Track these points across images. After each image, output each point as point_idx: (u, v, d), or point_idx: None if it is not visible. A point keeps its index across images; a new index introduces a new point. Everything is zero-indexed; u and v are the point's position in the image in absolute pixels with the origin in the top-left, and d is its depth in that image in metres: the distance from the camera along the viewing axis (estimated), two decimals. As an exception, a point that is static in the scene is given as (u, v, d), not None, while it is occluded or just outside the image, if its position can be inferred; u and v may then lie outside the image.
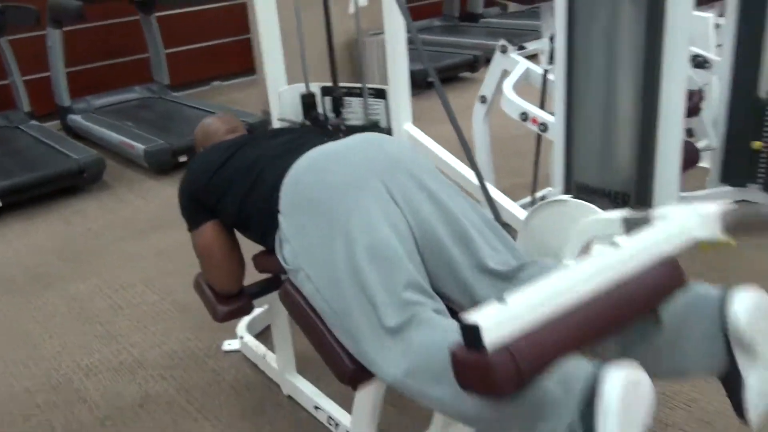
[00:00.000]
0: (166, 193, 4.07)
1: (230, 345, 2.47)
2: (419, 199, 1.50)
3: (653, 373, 1.17)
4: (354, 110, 2.49)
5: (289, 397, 2.19)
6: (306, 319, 1.47)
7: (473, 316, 1.03)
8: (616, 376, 1.03)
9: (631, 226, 1.42)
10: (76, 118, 5.09)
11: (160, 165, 4.28)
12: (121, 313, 2.79)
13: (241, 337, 2.42)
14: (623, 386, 1.03)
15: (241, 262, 1.89)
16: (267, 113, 2.49)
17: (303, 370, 2.20)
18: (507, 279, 1.44)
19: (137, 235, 3.53)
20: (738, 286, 1.28)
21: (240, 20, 5.94)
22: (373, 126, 2.40)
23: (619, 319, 1.22)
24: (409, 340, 1.30)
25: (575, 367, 1.09)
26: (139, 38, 5.67)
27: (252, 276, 1.97)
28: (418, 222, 1.48)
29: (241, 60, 6.47)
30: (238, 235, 1.89)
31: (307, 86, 2.51)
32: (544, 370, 1.09)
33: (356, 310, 1.37)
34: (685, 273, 1.32)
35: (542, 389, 1.08)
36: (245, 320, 2.51)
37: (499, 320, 1.04)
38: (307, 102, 2.47)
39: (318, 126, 2.45)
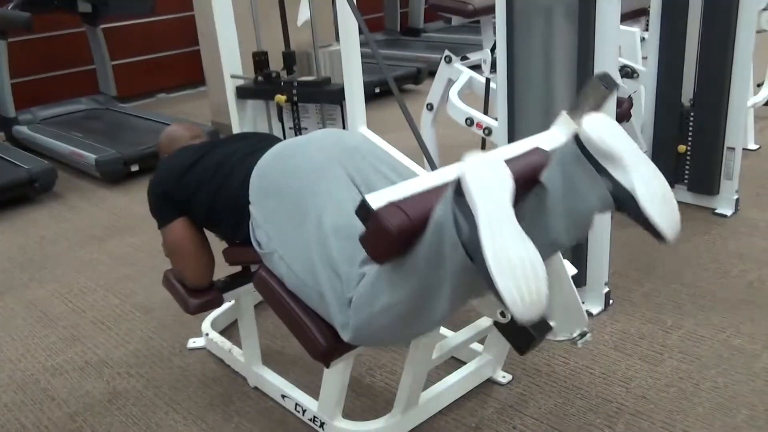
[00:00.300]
0: (119, 201, 4.12)
1: (195, 342, 2.56)
2: (376, 180, 1.66)
3: (565, 231, 1.37)
4: (311, 115, 2.63)
5: (256, 388, 2.29)
6: (280, 301, 1.60)
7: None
8: (467, 161, 1.25)
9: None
10: (22, 130, 5.06)
11: (112, 174, 4.32)
12: (83, 316, 2.84)
13: (206, 334, 2.52)
14: (472, 167, 1.23)
15: (211, 256, 2.01)
16: (217, 123, 2.59)
17: (267, 362, 2.32)
18: None
19: (93, 241, 3.57)
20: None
21: (188, 32, 6.01)
22: (325, 81, 2.51)
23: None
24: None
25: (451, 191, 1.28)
26: (85, 49, 5.67)
27: (220, 273, 2.09)
28: None
29: (189, 71, 6.53)
30: (207, 233, 2.01)
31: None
32: (430, 214, 1.27)
33: (325, 280, 1.52)
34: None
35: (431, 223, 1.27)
36: (210, 317, 2.60)
37: (386, 195, 1.27)
38: (259, 60, 2.59)
39: (270, 82, 2.55)
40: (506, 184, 1.23)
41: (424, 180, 1.35)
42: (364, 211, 1.27)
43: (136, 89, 6.35)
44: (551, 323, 1.73)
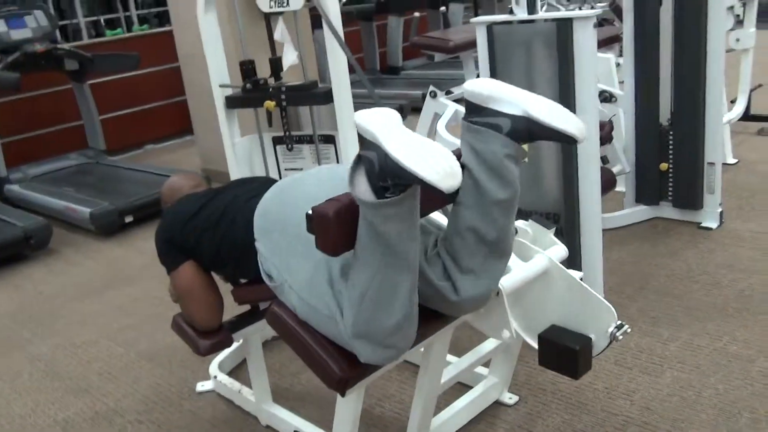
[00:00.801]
0: (115, 253, 4.16)
1: (204, 386, 2.59)
2: None
3: (499, 187, 1.50)
4: (305, 156, 2.70)
5: (268, 427, 2.33)
6: (294, 334, 1.65)
7: None
8: (358, 113, 1.44)
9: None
10: (14, 188, 5.10)
11: (107, 227, 4.36)
12: (88, 368, 2.86)
13: (215, 377, 2.55)
14: (362, 115, 1.42)
15: (220, 297, 2.05)
16: (207, 171, 2.63)
17: (277, 400, 2.35)
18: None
19: (91, 294, 3.60)
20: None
21: (173, 83, 6.11)
22: (313, 84, 2.57)
23: None
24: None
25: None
26: (72, 105, 5.75)
27: (226, 314, 2.13)
28: None
29: (176, 121, 6.62)
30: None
31: (262, 145, 2.71)
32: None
33: (331, 301, 1.58)
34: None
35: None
36: (216, 360, 2.63)
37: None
38: (246, 68, 2.65)
39: (258, 89, 2.61)
40: (395, 116, 1.42)
41: None
42: (308, 220, 1.45)
43: (125, 142, 6.42)
44: (589, 335, 1.76)
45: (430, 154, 1.30)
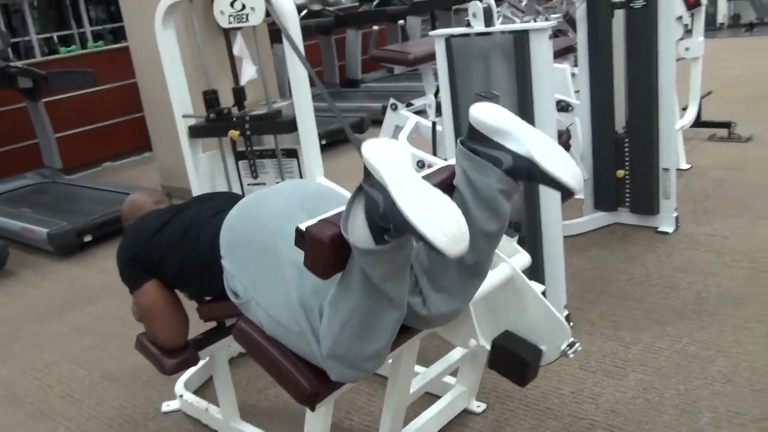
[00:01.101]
0: (75, 273, 4.08)
1: (169, 405, 2.55)
2: None
3: (488, 219, 1.48)
4: (268, 171, 2.70)
5: (235, 443, 2.31)
6: (261, 349, 1.64)
7: None
8: (366, 145, 1.36)
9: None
10: (-32, 210, 4.98)
11: (65, 247, 4.28)
12: (50, 391, 2.80)
13: (181, 396, 2.52)
14: (371, 149, 1.35)
15: (185, 315, 2.04)
16: (167, 187, 2.60)
17: (245, 417, 2.34)
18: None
19: (52, 315, 3.53)
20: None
21: (131, 99, 6.04)
22: (276, 113, 2.57)
23: None
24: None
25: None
26: (27, 124, 5.64)
27: (194, 332, 2.11)
28: None
29: (134, 138, 6.54)
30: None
31: (224, 160, 2.70)
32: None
33: (303, 318, 1.57)
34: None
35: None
36: (182, 379, 2.60)
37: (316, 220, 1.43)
38: (209, 98, 2.64)
39: (222, 119, 2.61)
40: (404, 153, 1.36)
41: None
42: (299, 236, 1.40)
43: (82, 160, 6.32)
44: (541, 347, 1.81)
45: (438, 212, 1.24)
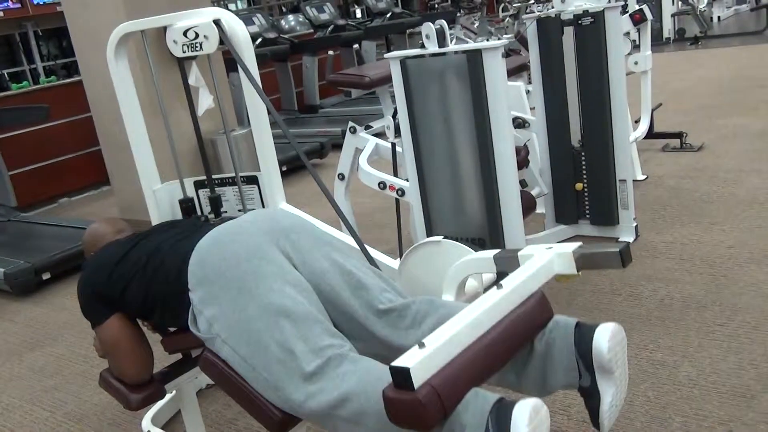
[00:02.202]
0: (33, 313, 3.98)
1: (136, 442, 2.49)
2: (314, 258, 1.72)
3: (526, 391, 1.45)
4: (228, 199, 2.68)
5: (207, 477, 2.26)
6: (228, 379, 1.62)
7: (401, 361, 1.26)
8: (524, 404, 1.30)
9: (501, 264, 1.72)
10: None
11: (23, 286, 4.17)
12: (11, 436, 2.71)
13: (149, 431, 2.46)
14: (530, 413, 1.28)
15: (149, 349, 1.99)
16: (126, 221, 2.56)
17: (216, 449, 2.30)
18: (399, 311, 1.68)
19: (11, 357, 3.43)
20: (601, 322, 1.60)
21: (85, 133, 5.95)
22: None
23: (511, 351, 1.51)
24: (330, 376, 1.50)
25: (484, 399, 1.34)
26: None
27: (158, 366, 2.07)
28: (317, 278, 1.70)
29: (90, 173, 6.44)
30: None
31: (183, 189, 2.67)
32: (459, 401, 1.32)
33: (276, 362, 1.55)
34: (550, 306, 1.63)
35: (459, 417, 1.32)
36: (149, 414, 2.54)
37: (422, 362, 1.27)
38: (186, 207, 2.62)
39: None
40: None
41: (458, 334, 1.37)
42: (401, 377, 1.26)
43: (37, 197, 6.19)
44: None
45: None
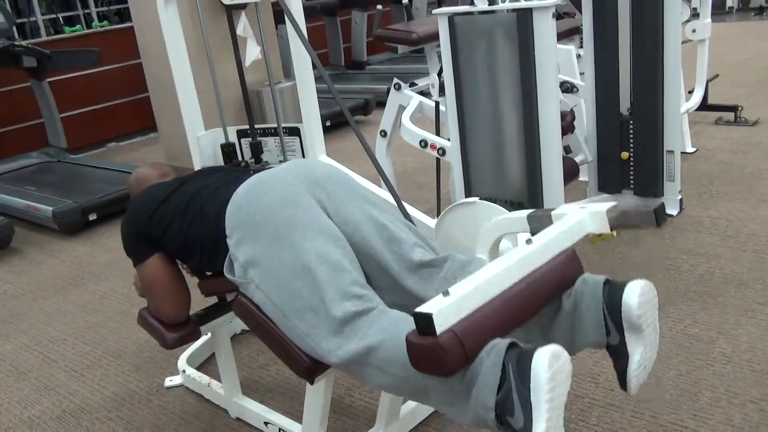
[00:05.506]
0: (79, 251, 4.10)
1: (172, 381, 2.57)
2: (348, 209, 1.74)
3: (561, 341, 1.44)
4: (270, 149, 2.70)
5: (238, 419, 2.32)
6: (261, 323, 1.65)
7: (425, 307, 1.26)
8: (544, 350, 1.27)
9: (534, 223, 1.70)
10: (-28, 188, 5.00)
11: (70, 225, 4.30)
12: (54, 366, 2.83)
13: (183, 371, 2.54)
14: (549, 359, 1.26)
15: (187, 290, 2.04)
16: (171, 167, 2.60)
17: (247, 392, 2.35)
18: (432, 267, 1.69)
19: (57, 293, 3.55)
20: (630, 279, 1.54)
21: (135, 79, 6.04)
22: None
23: (537, 305, 1.49)
24: (358, 327, 1.52)
25: (505, 346, 1.32)
26: (32, 104, 5.65)
27: (194, 308, 2.13)
28: (350, 229, 1.71)
29: (138, 119, 6.55)
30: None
31: (226, 136, 2.70)
32: (481, 349, 1.32)
33: (306, 308, 1.57)
34: (581, 263, 1.60)
35: (480, 365, 1.32)
36: (185, 354, 2.62)
37: (446, 309, 1.27)
38: (228, 151, 2.66)
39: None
40: (564, 395, 1.30)
41: (483, 285, 1.37)
42: (424, 322, 1.26)
43: (86, 140, 6.33)
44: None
45: None
